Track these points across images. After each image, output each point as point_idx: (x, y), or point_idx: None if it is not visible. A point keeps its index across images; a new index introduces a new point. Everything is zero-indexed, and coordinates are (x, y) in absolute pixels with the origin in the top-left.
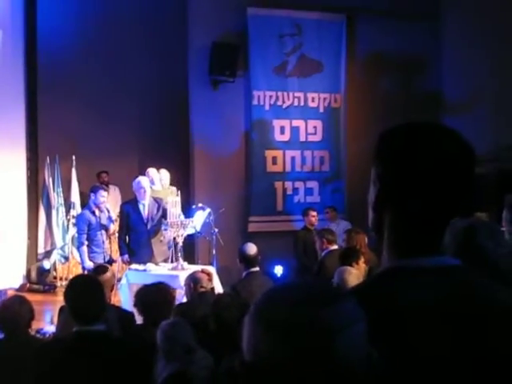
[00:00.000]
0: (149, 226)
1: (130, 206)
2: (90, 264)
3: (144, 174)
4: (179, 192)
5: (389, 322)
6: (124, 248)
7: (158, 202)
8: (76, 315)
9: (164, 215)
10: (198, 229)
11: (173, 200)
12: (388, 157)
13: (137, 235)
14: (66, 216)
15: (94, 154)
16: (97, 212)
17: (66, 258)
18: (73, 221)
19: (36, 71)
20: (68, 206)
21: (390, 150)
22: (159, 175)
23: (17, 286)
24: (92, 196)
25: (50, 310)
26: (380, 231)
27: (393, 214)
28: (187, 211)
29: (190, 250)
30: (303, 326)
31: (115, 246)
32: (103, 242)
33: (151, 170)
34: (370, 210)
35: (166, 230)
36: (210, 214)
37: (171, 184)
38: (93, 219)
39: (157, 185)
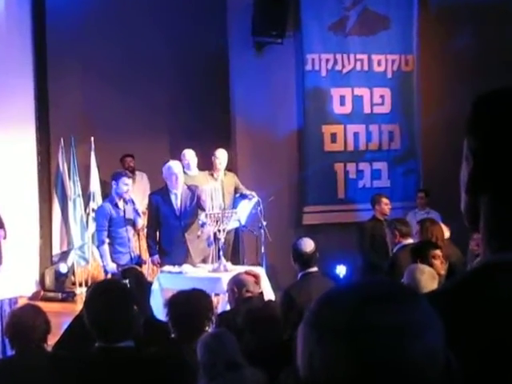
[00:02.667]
0: (183, 220)
1: (159, 196)
2: (113, 266)
3: (176, 158)
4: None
5: (486, 326)
6: (154, 247)
7: (192, 189)
8: (99, 331)
9: (200, 206)
10: (243, 222)
11: (212, 187)
12: (486, 127)
13: (169, 231)
14: (85, 209)
15: (116, 134)
16: (120, 204)
17: (86, 260)
18: (93, 215)
19: (45, 40)
20: (87, 197)
21: (489, 118)
22: (196, 158)
23: (29, 293)
24: (114, 185)
25: (69, 322)
26: (475, 218)
27: (492, 196)
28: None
29: (233, 247)
30: (370, 332)
31: (144, 245)
32: (129, 239)
33: (188, 152)
34: (463, 193)
35: (203, 224)
36: (257, 203)
37: (208, 169)
38: (115, 213)
39: (193, 169)
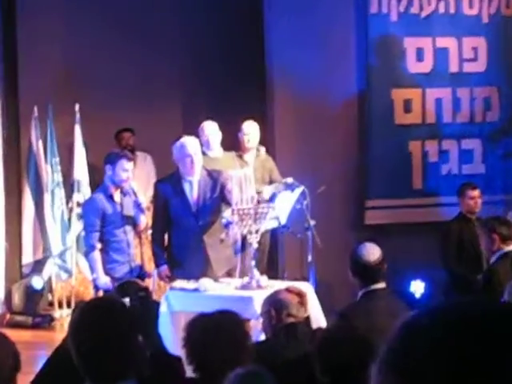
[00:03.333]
0: (201, 219)
1: (168, 185)
2: (106, 281)
3: (192, 134)
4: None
5: None
6: (161, 255)
7: (213, 176)
8: (89, 369)
9: (225, 199)
10: (284, 221)
11: (241, 173)
12: None
13: (182, 233)
14: (68, 203)
15: (109, 102)
16: (116, 196)
17: (69, 272)
18: (78, 211)
19: None
20: (70, 186)
21: None
22: (220, 134)
23: None
24: (108, 170)
25: (45, 356)
26: None
27: None
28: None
29: (270, 255)
30: (472, 377)
31: (149, 252)
32: (128, 244)
33: (209, 126)
34: None
35: (229, 223)
36: (302, 196)
37: (235, 148)
38: (109, 208)
39: (215, 149)
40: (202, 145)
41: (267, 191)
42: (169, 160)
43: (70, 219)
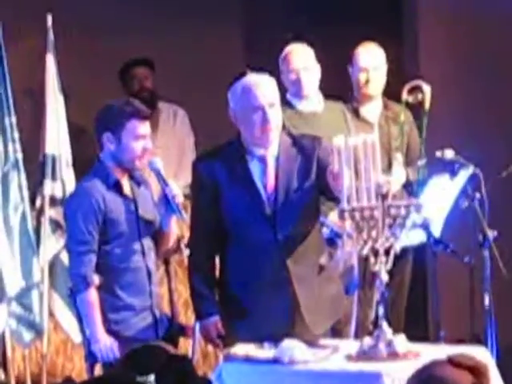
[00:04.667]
0: (281, 226)
1: (221, 165)
2: (108, 344)
3: (263, 69)
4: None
5: None
6: (208, 295)
7: (304, 148)
8: None
9: (326, 188)
10: (438, 232)
11: (359, 141)
12: None
13: (246, 254)
14: (33, 200)
15: (107, 9)
16: (126, 186)
17: (36, 329)
18: (55, 214)
19: None
20: (38, 168)
21: None
22: (318, 68)
23: None
24: (108, 141)
25: None
26: None
27: None
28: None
29: (412, 295)
30: None
31: (185, 289)
32: (149, 273)
33: (298, 53)
34: None
35: (335, 236)
36: (472, 183)
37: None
38: (115, 207)
39: (310, 97)
40: (284, 89)
41: (404, 175)
42: (219, 119)
43: (37, 230)
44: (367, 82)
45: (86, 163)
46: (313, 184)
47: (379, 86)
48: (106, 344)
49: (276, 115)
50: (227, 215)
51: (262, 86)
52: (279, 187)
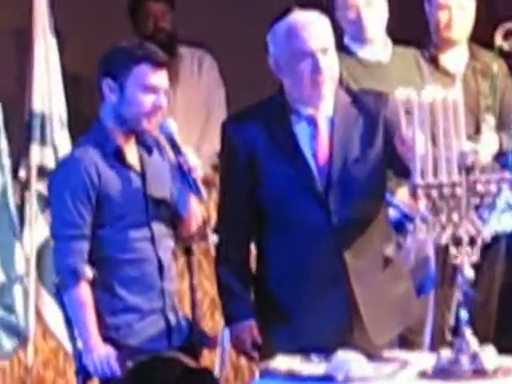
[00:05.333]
0: (337, 207)
1: (258, 128)
2: (106, 354)
3: (312, 5)
4: None
5: None
6: (241, 294)
7: (366, 106)
8: None
9: (395, 159)
10: None
11: (439, 101)
12: None
13: (292, 242)
14: (15, 171)
15: None
16: (130, 154)
17: (19, 335)
18: (42, 188)
19: None
20: (25, 128)
21: None
22: (385, 1)
23: None
24: (111, 92)
25: None
26: None
27: None
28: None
29: (506, 297)
30: None
31: (210, 287)
32: (161, 266)
33: None
34: None
35: (405, 219)
36: None
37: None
38: (115, 181)
39: (374, 42)
40: (341, 31)
41: (497, 142)
42: (257, 67)
43: (21, 208)
44: (449, 22)
45: (86, 123)
46: (378, 154)
47: (465, 29)
48: (101, 355)
49: (330, 63)
50: (266, 192)
51: (313, 26)
52: (334, 157)
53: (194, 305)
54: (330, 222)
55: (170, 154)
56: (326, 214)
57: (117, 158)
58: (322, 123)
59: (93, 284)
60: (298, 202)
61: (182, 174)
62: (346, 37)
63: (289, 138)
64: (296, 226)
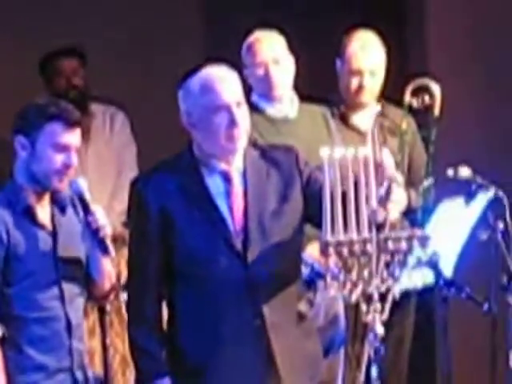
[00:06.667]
0: (253, 261)
1: (170, 183)
2: None
3: (223, 61)
4: None
5: None
6: (154, 353)
7: (276, 159)
8: None
9: (311, 214)
10: (449, 271)
11: (349, 157)
12: None
13: (205, 299)
14: None
15: None
16: (42, 212)
17: None
18: None
19: None
20: None
21: None
22: (293, 62)
23: None
24: (22, 149)
25: None
26: None
27: None
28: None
29: (416, 357)
30: None
31: (121, 345)
32: (69, 325)
33: (264, 42)
34: None
35: (316, 275)
36: (493, 209)
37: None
38: (23, 240)
39: (283, 99)
40: (249, 89)
41: (406, 199)
42: (168, 125)
43: None
44: (360, 88)
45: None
46: (295, 208)
47: (375, 92)
48: None
49: (244, 116)
50: (180, 250)
51: (226, 79)
52: (249, 212)
53: (105, 363)
54: (247, 277)
55: (80, 212)
56: (244, 269)
57: (27, 216)
58: (235, 178)
59: (2, 342)
60: (215, 258)
61: (91, 232)
62: (253, 94)
63: (202, 192)
64: (212, 283)
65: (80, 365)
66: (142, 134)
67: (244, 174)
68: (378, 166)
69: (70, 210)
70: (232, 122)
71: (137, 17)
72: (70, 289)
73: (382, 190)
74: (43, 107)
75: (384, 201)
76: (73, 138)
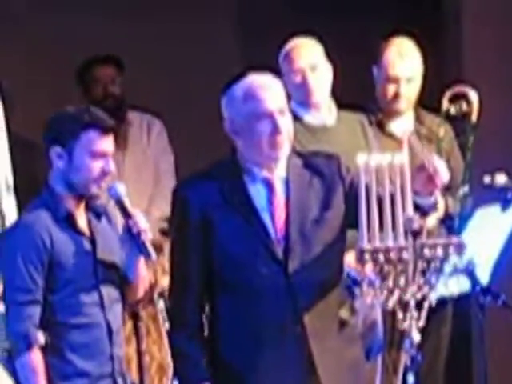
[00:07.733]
0: (294, 269)
1: (213, 191)
2: None
3: (261, 69)
4: None
5: None
6: (195, 360)
7: (319, 167)
8: None
9: (350, 219)
10: (486, 278)
11: (386, 165)
12: None
13: (247, 307)
14: None
15: None
16: (81, 219)
17: None
18: None
19: None
20: None
21: None
22: (330, 71)
23: None
24: (58, 158)
25: None
26: None
27: None
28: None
29: (452, 363)
30: None
31: (161, 353)
32: (110, 331)
33: (302, 51)
34: None
35: (355, 282)
36: None
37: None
38: (65, 246)
39: (321, 106)
40: (287, 97)
41: (443, 206)
42: (208, 133)
43: None
44: (397, 95)
45: (33, 188)
46: (337, 215)
47: (412, 100)
48: None
49: (288, 124)
50: (222, 257)
51: (270, 87)
52: (291, 220)
53: (141, 369)
54: (288, 285)
55: (119, 216)
56: (285, 277)
57: (68, 222)
58: (277, 185)
59: (44, 349)
60: (256, 266)
61: (131, 236)
62: (291, 102)
63: (246, 201)
64: (252, 290)
65: (120, 371)
66: (180, 143)
67: (286, 182)
68: (434, 174)
69: (104, 218)
70: (275, 130)
71: (174, 21)
72: (109, 294)
73: (432, 199)
74: (77, 116)
75: (433, 209)
76: (108, 144)
